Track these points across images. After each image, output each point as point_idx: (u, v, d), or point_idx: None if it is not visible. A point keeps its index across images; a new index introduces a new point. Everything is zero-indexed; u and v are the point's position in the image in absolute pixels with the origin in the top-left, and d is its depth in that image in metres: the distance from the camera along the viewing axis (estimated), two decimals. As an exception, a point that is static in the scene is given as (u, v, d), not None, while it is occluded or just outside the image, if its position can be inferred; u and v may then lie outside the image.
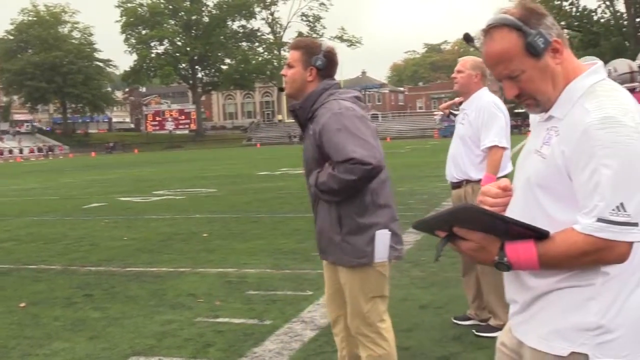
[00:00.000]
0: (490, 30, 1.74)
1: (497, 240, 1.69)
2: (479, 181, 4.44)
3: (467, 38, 1.89)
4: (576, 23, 50.18)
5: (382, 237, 3.00)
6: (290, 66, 3.10)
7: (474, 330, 4.59)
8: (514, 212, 1.79)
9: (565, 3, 49.95)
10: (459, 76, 4.55)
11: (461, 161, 4.54)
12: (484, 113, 4.39)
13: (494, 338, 2.03)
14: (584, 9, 50.36)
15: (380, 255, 3.01)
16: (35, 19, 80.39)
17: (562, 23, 46.62)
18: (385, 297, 3.16)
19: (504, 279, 1.88)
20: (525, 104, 1.79)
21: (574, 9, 50.19)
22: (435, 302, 5.39)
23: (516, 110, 66.39)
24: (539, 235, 1.65)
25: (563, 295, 1.70)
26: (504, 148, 4.36)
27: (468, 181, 4.51)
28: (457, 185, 4.62)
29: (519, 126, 48.79)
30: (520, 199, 1.80)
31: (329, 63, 3.09)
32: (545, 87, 1.72)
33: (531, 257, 1.66)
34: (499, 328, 4.44)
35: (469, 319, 4.78)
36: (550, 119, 1.75)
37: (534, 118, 1.90)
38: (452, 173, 4.63)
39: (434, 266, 6.61)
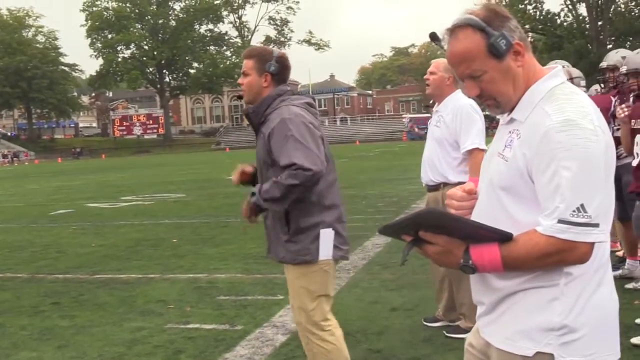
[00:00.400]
0: (454, 29, 1.77)
1: (461, 244, 1.72)
2: (456, 184, 4.42)
3: (433, 37, 1.91)
4: (540, 26, 51.02)
5: (326, 236, 3.10)
6: (245, 74, 3.22)
7: (444, 332, 4.63)
8: (478, 214, 1.82)
9: (529, 7, 50.74)
10: (431, 78, 4.57)
11: (438, 164, 4.52)
12: (461, 116, 4.39)
13: (464, 340, 2.06)
14: (548, 12, 51.21)
15: (325, 254, 3.11)
16: (-3, 23, 79.05)
17: (527, 26, 47.33)
18: (330, 297, 3.23)
19: (470, 282, 1.90)
20: (486, 104, 1.83)
21: (538, 13, 51.02)
22: (406, 304, 5.43)
23: (486, 113, 67.26)
24: (503, 237, 1.68)
25: (528, 296, 1.72)
26: (484, 150, 4.39)
27: (445, 184, 4.47)
28: (433, 188, 4.60)
29: (487, 128, 49.31)
30: (484, 201, 1.82)
31: (282, 68, 3.21)
32: (506, 88, 1.75)
33: (495, 259, 1.68)
34: (468, 330, 4.50)
35: (438, 320, 4.82)
36: (512, 121, 1.78)
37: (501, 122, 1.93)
38: (429, 176, 4.60)
39: (404, 269, 6.64)
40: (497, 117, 1.91)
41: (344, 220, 3.21)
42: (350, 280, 6.38)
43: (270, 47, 3.46)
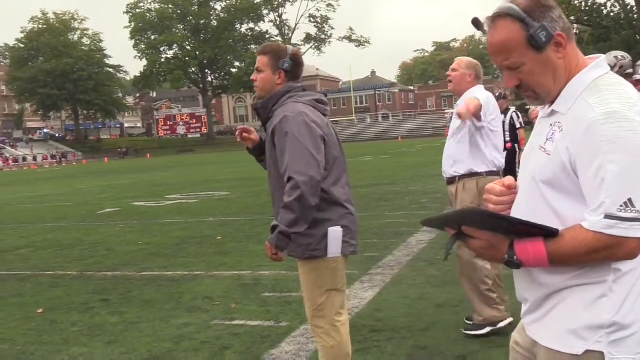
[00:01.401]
0: (495, 19, 1.73)
1: (505, 239, 1.69)
2: (469, 175, 4.52)
3: (476, 23, 1.88)
4: (586, 17, 49.89)
5: (334, 234, 3.13)
6: (259, 71, 3.26)
7: (462, 329, 4.60)
8: (520, 209, 1.78)
9: (575, -3, 49.70)
10: (453, 74, 4.65)
11: (453, 157, 4.61)
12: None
13: (509, 337, 2.02)
14: (594, 3, 50.05)
15: (333, 251, 3.14)
16: (45, 26, 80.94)
17: (572, 18, 46.37)
18: (341, 291, 3.26)
19: (514, 277, 1.87)
20: (524, 95, 1.78)
21: (583, 4, 49.90)
22: (452, 301, 5.38)
23: (527, 107, 66.10)
24: (548, 233, 1.65)
25: (575, 293, 1.68)
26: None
27: (461, 177, 4.56)
28: (450, 181, 4.68)
29: (531, 122, 48.54)
30: (526, 196, 1.78)
31: (296, 65, 3.24)
32: (546, 80, 1.71)
33: (541, 255, 1.65)
34: (484, 325, 4.48)
35: (482, 327, 4.77)
36: (554, 114, 1.74)
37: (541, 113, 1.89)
38: (450, 169, 4.67)
39: (449, 265, 6.58)
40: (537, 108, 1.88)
41: (354, 215, 3.24)
42: (395, 276, 6.36)
43: (283, 44, 3.46)
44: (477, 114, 4.36)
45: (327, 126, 3.19)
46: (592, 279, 1.65)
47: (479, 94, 4.47)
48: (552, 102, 1.75)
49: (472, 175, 4.52)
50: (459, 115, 4.33)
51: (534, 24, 1.67)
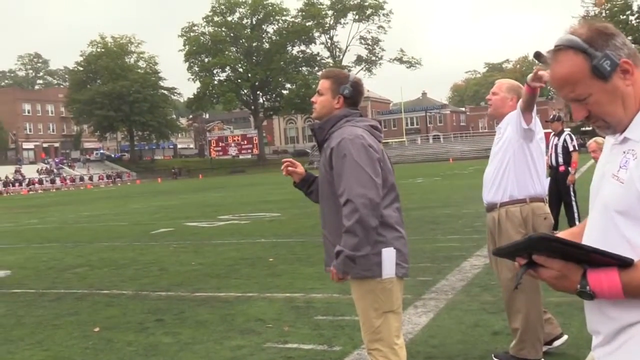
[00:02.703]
0: (556, 51, 1.70)
1: (578, 268, 1.63)
2: (512, 202, 4.33)
3: (538, 56, 1.85)
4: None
5: (388, 254, 3.14)
6: (320, 94, 3.34)
7: (492, 355, 4.50)
8: (592, 239, 1.72)
9: (631, 17, 48.72)
10: (492, 98, 4.49)
11: (497, 182, 4.41)
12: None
13: None
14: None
15: (387, 272, 3.15)
16: (103, 50, 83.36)
17: (629, 38, 45.44)
18: (398, 313, 3.24)
19: (585, 309, 1.81)
20: (595, 126, 1.74)
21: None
22: (508, 329, 5.22)
23: (583, 129, 64.57)
24: (622, 263, 1.59)
25: None
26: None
27: (502, 204, 4.37)
28: (491, 207, 4.48)
29: (585, 145, 47.57)
30: (598, 225, 1.72)
31: (355, 92, 3.31)
32: (615, 109, 1.66)
33: (615, 286, 1.59)
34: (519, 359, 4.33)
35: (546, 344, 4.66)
36: (626, 141, 1.69)
37: (608, 139, 1.84)
38: (489, 194, 4.48)
39: (504, 291, 6.46)
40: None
41: (405, 238, 3.26)
42: (449, 302, 6.26)
43: (347, 70, 3.52)
44: (530, 110, 4.14)
45: (382, 152, 3.22)
46: None
47: None
48: (624, 129, 1.71)
49: (515, 202, 4.33)
50: (536, 78, 3.88)
51: (596, 54, 1.63)
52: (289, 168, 3.55)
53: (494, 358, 4.50)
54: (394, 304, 3.21)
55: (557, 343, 4.61)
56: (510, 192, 4.34)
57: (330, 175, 3.20)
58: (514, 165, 4.32)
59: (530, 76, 3.96)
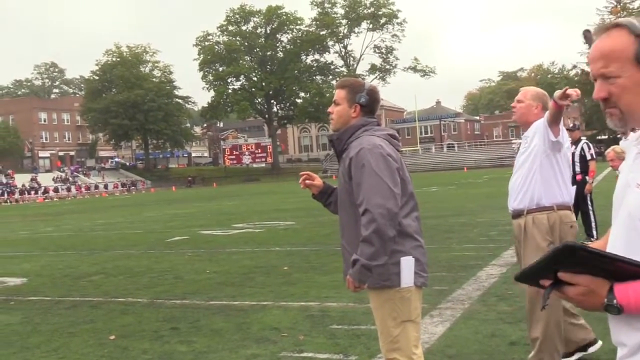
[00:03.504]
0: (611, 27, 1.69)
1: (605, 282, 1.59)
2: (539, 210, 4.34)
3: (586, 35, 1.85)
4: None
5: (407, 263, 3.14)
6: (336, 103, 3.35)
7: None
8: (616, 248, 1.69)
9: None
10: (518, 106, 4.51)
11: (523, 189, 4.41)
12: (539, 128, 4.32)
13: None
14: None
15: (406, 281, 3.14)
16: (118, 59, 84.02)
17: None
18: (416, 323, 3.23)
19: (609, 320, 1.78)
20: (607, 112, 1.70)
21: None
22: (525, 339, 5.18)
23: (599, 137, 64.11)
24: None
25: None
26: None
27: (529, 211, 4.38)
28: (517, 214, 4.49)
29: (602, 153, 47.29)
30: (622, 235, 1.68)
31: (372, 101, 3.32)
32: (637, 101, 1.64)
33: None
34: None
35: (571, 354, 4.62)
36: None
37: (629, 149, 1.81)
38: (515, 201, 4.50)
39: (522, 300, 6.38)
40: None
41: (424, 247, 3.25)
42: (466, 311, 6.21)
43: (362, 79, 3.52)
44: (557, 123, 4.17)
45: (400, 160, 3.22)
46: None
47: None
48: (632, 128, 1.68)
49: (542, 209, 4.35)
50: (563, 97, 3.93)
51: None
52: (307, 181, 3.55)
53: None
54: (412, 314, 3.19)
55: (591, 349, 4.58)
56: (537, 200, 4.35)
57: (349, 186, 3.21)
58: (541, 173, 4.33)
59: (558, 93, 3.97)
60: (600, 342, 4.56)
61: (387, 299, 3.17)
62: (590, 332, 4.60)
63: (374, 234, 2.99)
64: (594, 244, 1.94)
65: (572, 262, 1.61)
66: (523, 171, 4.42)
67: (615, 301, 1.57)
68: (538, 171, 4.33)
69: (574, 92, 3.93)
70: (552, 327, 4.31)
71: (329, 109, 3.38)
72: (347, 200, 3.25)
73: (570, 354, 4.42)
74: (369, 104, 3.31)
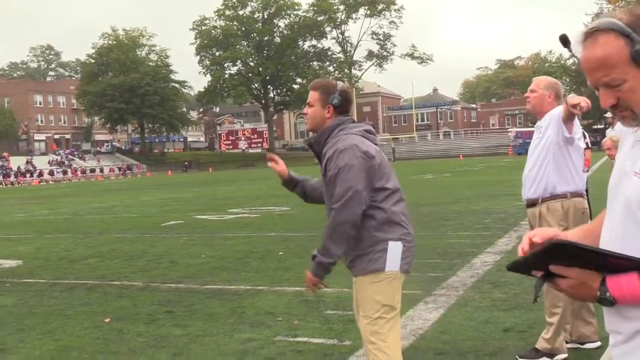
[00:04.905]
0: (594, 33, 1.64)
1: (597, 275, 1.59)
2: (553, 197, 4.42)
3: (564, 40, 1.80)
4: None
5: (395, 248, 3.20)
6: (310, 105, 3.41)
7: (517, 356, 4.50)
8: (612, 237, 1.69)
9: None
10: (531, 96, 4.54)
11: (538, 178, 4.48)
12: (555, 116, 4.37)
13: None
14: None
15: (392, 265, 3.19)
16: (114, 42, 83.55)
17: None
18: (395, 309, 3.28)
19: (603, 310, 1.78)
20: (620, 116, 1.68)
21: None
22: (519, 326, 5.24)
23: (594, 127, 64.07)
24: None
25: None
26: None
27: (544, 199, 4.45)
28: (532, 203, 4.56)
29: (598, 142, 47.31)
30: (618, 225, 1.68)
31: (344, 101, 3.37)
32: None
33: (636, 290, 1.55)
34: (546, 354, 4.37)
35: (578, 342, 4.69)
36: None
37: (625, 136, 1.81)
38: (528, 191, 4.56)
39: (516, 288, 6.44)
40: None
41: (411, 233, 3.30)
42: (460, 298, 6.24)
43: (333, 79, 3.56)
44: (571, 121, 4.22)
45: (378, 152, 3.28)
46: None
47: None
48: None
49: (556, 197, 4.42)
50: (574, 106, 4.02)
51: (639, 39, 1.59)
52: (271, 164, 3.63)
53: (518, 358, 4.48)
54: (394, 299, 3.25)
55: (588, 345, 4.64)
56: (552, 189, 4.43)
57: (330, 189, 3.26)
58: (555, 163, 4.41)
59: (570, 100, 4.03)
60: (599, 343, 4.61)
61: (370, 281, 3.22)
62: (596, 332, 4.66)
63: (336, 225, 3.12)
64: (580, 229, 1.94)
65: (564, 257, 1.62)
66: (537, 161, 4.49)
67: (608, 294, 1.58)
68: (552, 161, 4.40)
69: (585, 104, 4.01)
70: (565, 314, 4.43)
71: (304, 110, 3.46)
72: (329, 202, 3.30)
73: (567, 342, 4.48)
74: (342, 105, 3.35)
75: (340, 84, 3.43)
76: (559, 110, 4.31)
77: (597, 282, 1.59)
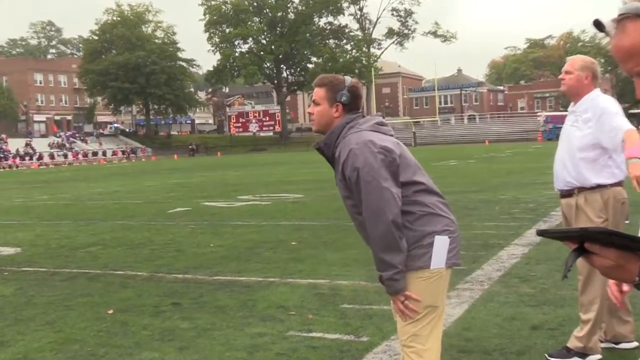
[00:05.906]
0: (622, 20, 1.60)
1: (637, 259, 1.59)
2: (592, 188, 4.33)
3: (598, 24, 1.76)
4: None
5: (441, 243, 3.09)
6: (316, 103, 3.30)
7: (546, 354, 4.49)
8: None
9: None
10: (567, 77, 4.44)
11: (573, 167, 4.40)
12: (601, 116, 4.27)
13: None
14: None
15: (437, 262, 3.09)
16: (119, 18, 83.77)
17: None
18: (438, 308, 3.18)
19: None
20: None
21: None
22: (549, 323, 5.21)
23: (631, 111, 63.47)
24: None
25: None
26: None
27: (580, 189, 4.37)
28: (567, 193, 4.49)
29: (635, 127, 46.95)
30: None
31: (354, 97, 3.27)
32: None
33: None
34: (578, 353, 4.35)
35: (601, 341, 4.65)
36: None
37: None
38: (563, 180, 4.49)
39: (545, 283, 6.41)
40: None
41: (454, 222, 3.22)
42: (485, 293, 6.22)
43: (342, 75, 3.45)
44: None
45: (396, 144, 3.18)
46: None
47: (612, 106, 4.28)
48: None
49: (594, 187, 4.33)
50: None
51: None
52: None
53: (548, 358, 4.46)
54: (437, 299, 3.15)
55: (623, 345, 4.60)
56: (590, 177, 4.34)
57: (348, 191, 3.19)
58: (596, 147, 4.30)
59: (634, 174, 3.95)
60: (636, 344, 4.58)
61: (411, 280, 3.10)
62: (632, 331, 4.62)
63: (382, 237, 3.01)
64: None
65: (602, 241, 1.60)
66: (572, 148, 4.39)
67: None
68: (592, 145, 4.30)
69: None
70: (601, 310, 4.38)
71: (309, 110, 3.35)
72: (347, 203, 3.24)
73: (601, 341, 4.46)
74: (352, 102, 3.25)
75: (348, 79, 3.32)
76: (603, 107, 4.23)
77: (636, 266, 1.57)
